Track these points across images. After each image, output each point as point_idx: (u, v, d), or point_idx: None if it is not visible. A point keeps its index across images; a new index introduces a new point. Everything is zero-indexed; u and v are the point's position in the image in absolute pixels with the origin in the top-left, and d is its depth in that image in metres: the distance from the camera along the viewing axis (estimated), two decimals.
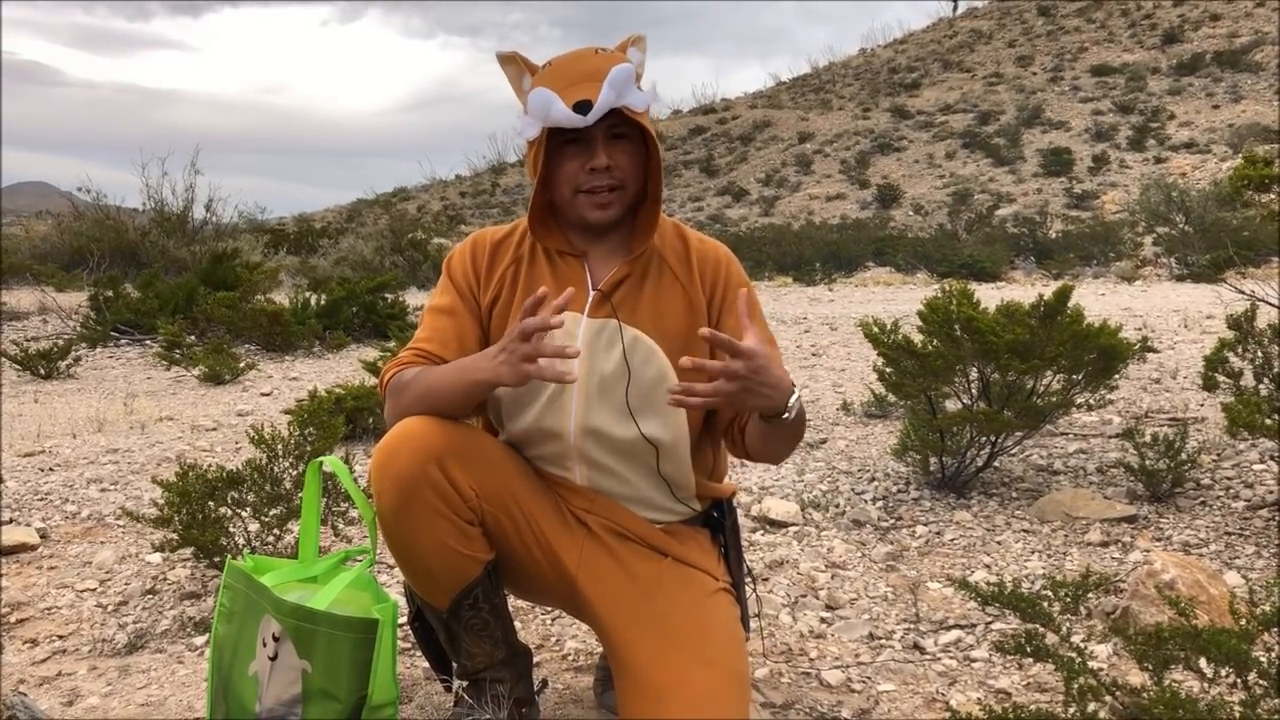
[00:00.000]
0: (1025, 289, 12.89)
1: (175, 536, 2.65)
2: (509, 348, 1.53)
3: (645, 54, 1.72)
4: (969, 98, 46.01)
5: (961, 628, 2.44)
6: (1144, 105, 39.26)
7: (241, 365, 6.58)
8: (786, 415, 1.56)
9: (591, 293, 1.75)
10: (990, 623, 2.45)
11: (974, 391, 3.47)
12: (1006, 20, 59.27)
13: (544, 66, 1.70)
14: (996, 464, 3.58)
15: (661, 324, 1.74)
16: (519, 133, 1.71)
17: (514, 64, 1.72)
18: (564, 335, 1.73)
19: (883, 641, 2.39)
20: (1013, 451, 3.66)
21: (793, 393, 1.56)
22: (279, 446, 2.74)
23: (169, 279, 10.02)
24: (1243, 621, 1.47)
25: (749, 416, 1.68)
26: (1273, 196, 3.33)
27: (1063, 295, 3.35)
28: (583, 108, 1.61)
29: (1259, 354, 3.13)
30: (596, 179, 1.68)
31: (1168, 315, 9.04)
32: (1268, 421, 2.88)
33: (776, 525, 3.24)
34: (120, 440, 4.58)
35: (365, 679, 1.64)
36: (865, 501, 3.45)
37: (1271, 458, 3.51)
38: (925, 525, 3.21)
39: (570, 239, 1.79)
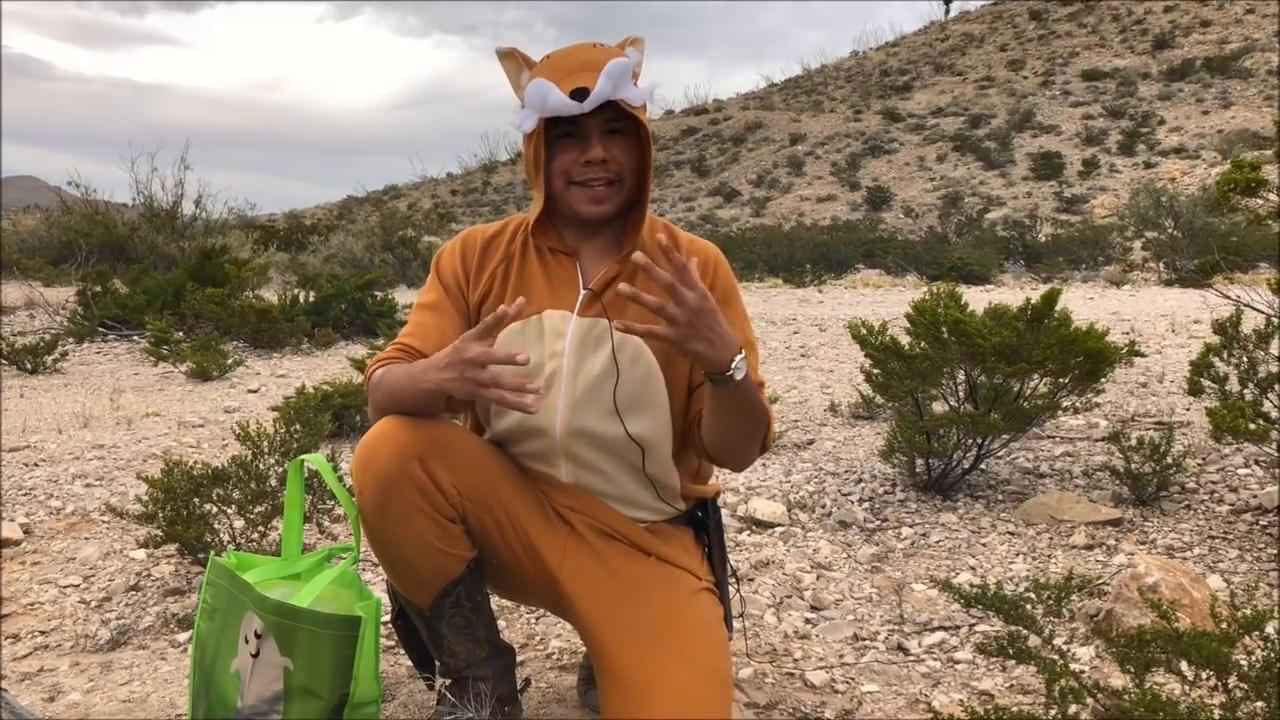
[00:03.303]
0: (1014, 292, 12.93)
1: (159, 533, 2.65)
2: (455, 364, 1.50)
3: (643, 55, 1.72)
4: (960, 101, 46.16)
5: (945, 629, 2.44)
6: (1134, 110, 39.45)
7: (229, 362, 6.56)
8: (730, 374, 1.54)
9: (582, 292, 1.75)
10: (974, 625, 2.46)
11: (961, 394, 3.48)
12: (998, 24, 59.49)
13: (541, 60, 1.70)
14: (983, 466, 3.59)
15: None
16: (516, 126, 1.70)
17: (512, 59, 1.72)
18: (553, 334, 1.73)
19: (867, 642, 2.39)
20: (999, 454, 3.67)
21: (739, 353, 1.54)
22: (265, 443, 2.73)
23: (157, 274, 9.98)
24: (1224, 625, 1.48)
25: (706, 402, 1.67)
26: (1260, 201, 3.34)
27: (1050, 298, 3.36)
28: (579, 95, 1.60)
29: (1244, 359, 3.14)
30: (591, 171, 1.68)
31: (1155, 319, 9.07)
32: (1252, 426, 2.90)
33: (762, 525, 3.24)
34: (106, 436, 4.56)
35: (347, 677, 1.64)
36: (851, 502, 3.46)
37: (1256, 462, 3.53)
38: (911, 527, 3.22)
39: (563, 237, 1.79)
